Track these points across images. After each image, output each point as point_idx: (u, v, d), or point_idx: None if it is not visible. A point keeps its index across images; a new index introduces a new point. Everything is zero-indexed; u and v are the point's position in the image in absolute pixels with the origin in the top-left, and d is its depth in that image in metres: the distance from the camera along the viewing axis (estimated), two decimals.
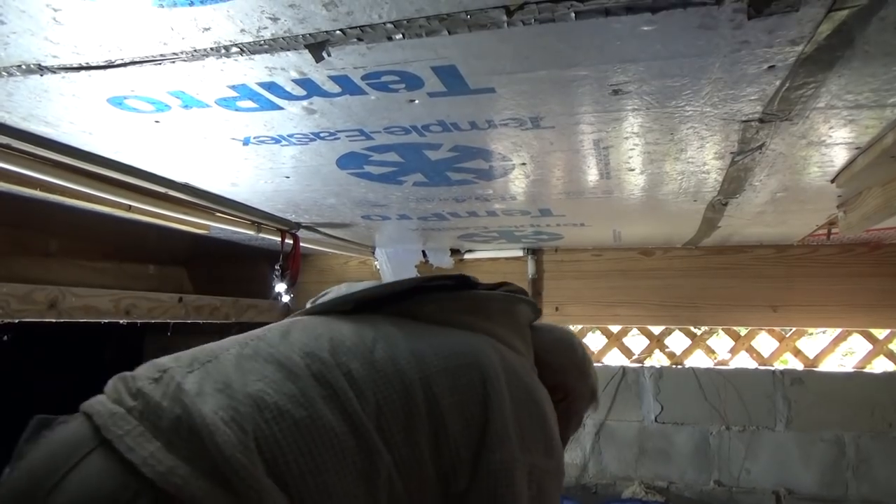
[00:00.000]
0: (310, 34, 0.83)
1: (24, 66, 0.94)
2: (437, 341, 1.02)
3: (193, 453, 0.79)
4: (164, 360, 0.98)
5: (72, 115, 1.14)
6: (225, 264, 3.15)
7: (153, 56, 0.91)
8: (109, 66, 0.94)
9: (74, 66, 0.94)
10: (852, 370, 2.79)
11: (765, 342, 2.98)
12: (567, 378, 1.30)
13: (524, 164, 1.47)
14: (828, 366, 2.87)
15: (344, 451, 0.86)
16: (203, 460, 0.78)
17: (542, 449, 1.01)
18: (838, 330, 2.84)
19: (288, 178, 1.61)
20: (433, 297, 1.12)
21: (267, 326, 1.10)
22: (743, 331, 2.97)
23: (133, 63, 0.93)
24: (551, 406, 1.10)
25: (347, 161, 1.46)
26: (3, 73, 0.96)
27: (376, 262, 3.07)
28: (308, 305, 1.25)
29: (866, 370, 2.77)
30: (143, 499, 0.75)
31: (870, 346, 2.81)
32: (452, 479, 0.91)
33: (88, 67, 0.94)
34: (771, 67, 0.92)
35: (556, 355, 1.29)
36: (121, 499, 0.75)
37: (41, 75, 0.97)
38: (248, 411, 0.84)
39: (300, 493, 0.81)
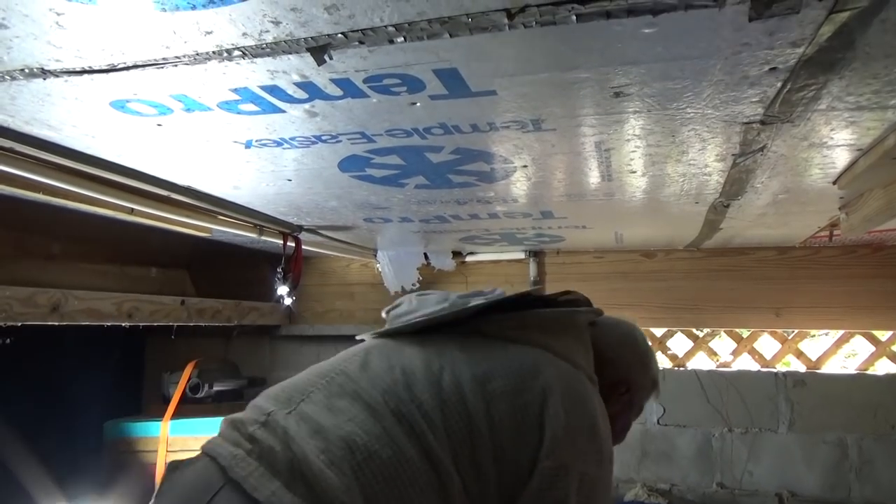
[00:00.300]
0: (311, 38, 0.83)
1: (27, 70, 0.95)
2: (497, 362, 1.09)
3: (307, 493, 0.89)
4: (263, 403, 1.08)
5: (74, 118, 1.15)
6: (227, 267, 3.16)
7: (155, 60, 0.91)
8: (112, 69, 0.94)
9: (77, 69, 0.94)
10: (855, 372, 2.78)
11: (767, 344, 2.98)
12: (630, 372, 1.36)
13: (526, 166, 1.47)
14: (830, 368, 2.87)
15: (424, 484, 0.95)
16: (315, 499, 0.88)
17: (593, 459, 1.07)
18: (841, 332, 2.84)
19: (290, 180, 1.61)
20: (495, 317, 1.18)
21: (346, 355, 1.19)
22: (745, 333, 2.97)
23: (135, 67, 0.93)
24: (605, 417, 1.14)
25: (349, 164, 1.46)
26: (7, 77, 0.97)
27: (378, 265, 3.07)
28: (383, 315, 1.35)
29: (869, 372, 2.77)
30: None
31: (872, 348, 2.80)
32: (511, 487, 1.00)
33: (91, 71, 0.95)
34: (772, 69, 0.92)
35: (619, 352, 1.34)
36: None
37: (44, 79, 0.97)
38: (343, 454, 0.93)
39: None
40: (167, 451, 2.65)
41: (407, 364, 1.09)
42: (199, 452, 1.02)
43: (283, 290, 2.38)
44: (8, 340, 2.52)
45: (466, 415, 1.02)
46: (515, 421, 1.03)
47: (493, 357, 1.11)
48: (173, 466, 1.01)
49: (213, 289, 3.09)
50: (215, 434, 1.06)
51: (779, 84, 0.98)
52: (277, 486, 0.89)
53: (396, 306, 1.31)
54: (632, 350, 1.39)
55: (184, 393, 2.76)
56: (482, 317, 1.18)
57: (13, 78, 0.97)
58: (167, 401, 2.76)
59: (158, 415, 2.72)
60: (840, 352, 2.90)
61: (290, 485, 0.89)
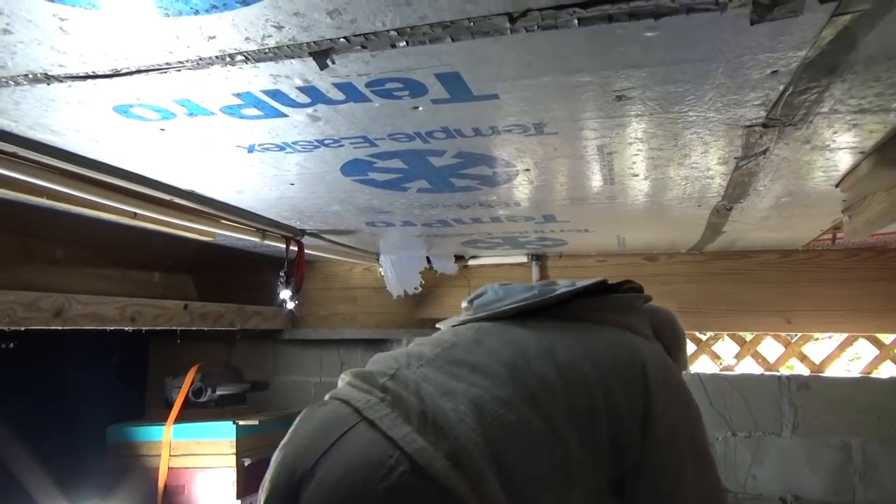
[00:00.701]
0: (314, 42, 0.84)
1: (30, 76, 0.95)
2: (597, 340, 1.19)
3: (437, 440, 0.94)
4: (386, 360, 1.15)
5: (78, 123, 1.15)
6: (230, 271, 3.16)
7: (159, 64, 0.91)
8: (115, 74, 0.94)
9: (81, 74, 0.95)
10: (859, 375, 2.77)
11: (770, 347, 2.97)
12: (670, 352, 1.41)
13: (528, 170, 1.47)
14: (834, 371, 2.86)
15: (546, 449, 1.01)
16: (444, 447, 0.93)
17: (696, 422, 1.19)
18: (844, 335, 2.83)
19: (292, 185, 1.62)
20: (577, 301, 1.27)
21: (448, 335, 1.25)
22: (748, 336, 2.97)
23: (139, 72, 0.94)
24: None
25: (352, 168, 1.46)
26: (10, 83, 0.97)
27: (380, 269, 3.07)
28: (464, 304, 1.41)
29: (873, 375, 2.76)
30: (402, 466, 0.91)
31: (876, 352, 2.80)
32: (627, 453, 1.07)
33: (94, 76, 0.95)
34: (774, 72, 0.92)
35: (663, 335, 1.39)
36: (385, 463, 0.91)
37: (48, 84, 0.98)
38: (473, 414, 0.99)
39: (513, 484, 0.95)
40: (170, 456, 2.65)
41: (517, 340, 1.17)
42: (326, 398, 1.09)
43: (285, 294, 2.38)
44: (11, 345, 2.53)
45: (584, 386, 1.08)
46: (625, 392, 1.10)
47: (591, 336, 1.20)
48: (308, 410, 1.10)
49: (216, 293, 3.09)
50: (342, 383, 1.13)
51: (781, 87, 0.98)
52: (409, 430, 0.96)
53: (480, 295, 1.38)
54: (672, 331, 1.45)
55: (187, 397, 2.76)
56: (565, 303, 1.26)
57: (17, 83, 0.97)
58: (170, 405, 2.76)
59: (161, 419, 2.72)
60: (844, 355, 2.89)
61: (420, 431, 0.96)
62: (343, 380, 1.14)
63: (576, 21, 0.77)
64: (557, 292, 1.27)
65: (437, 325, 1.42)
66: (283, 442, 1.06)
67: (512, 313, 1.26)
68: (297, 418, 1.10)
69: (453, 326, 1.32)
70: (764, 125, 1.14)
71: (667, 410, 1.11)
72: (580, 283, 1.28)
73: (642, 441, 1.07)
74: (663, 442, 1.08)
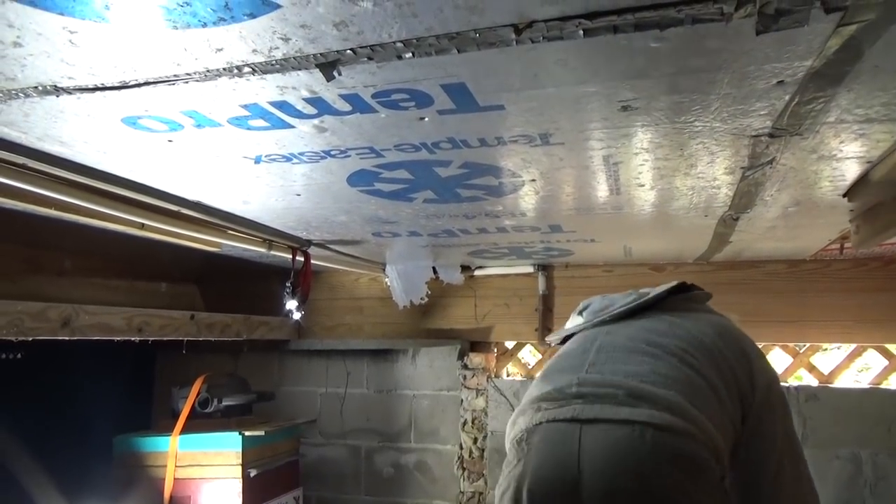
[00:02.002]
0: (321, 54, 0.84)
1: (40, 88, 0.96)
2: (699, 321, 1.44)
3: (653, 405, 1.15)
4: (556, 378, 1.32)
5: (86, 134, 1.16)
6: (236, 282, 3.17)
7: (167, 76, 0.92)
8: (124, 86, 0.95)
9: (90, 86, 0.95)
10: (868, 386, 2.75)
11: (779, 358, 2.95)
12: None
13: (534, 180, 1.47)
14: (843, 382, 2.84)
15: (709, 395, 1.24)
16: (663, 405, 1.16)
17: (777, 377, 1.44)
18: (853, 345, 2.81)
19: (299, 195, 1.62)
20: (671, 299, 1.51)
21: (583, 341, 1.45)
22: None
23: (147, 83, 0.94)
24: None
25: (358, 178, 1.46)
26: (20, 94, 0.98)
27: (387, 279, 3.07)
28: (575, 314, 1.62)
29: (882, 386, 2.74)
30: (648, 431, 1.12)
31: (886, 362, 2.77)
32: (748, 397, 1.30)
33: (103, 88, 0.96)
34: (780, 82, 0.92)
35: None
36: (635, 435, 1.12)
37: (57, 96, 0.98)
38: (656, 380, 1.22)
39: (697, 419, 1.17)
40: (176, 466, 2.65)
41: (647, 328, 1.40)
42: (524, 429, 1.24)
43: (291, 304, 2.39)
44: (19, 355, 2.54)
45: (708, 349, 1.32)
46: (733, 354, 1.34)
47: (690, 319, 1.44)
48: (519, 452, 1.23)
49: (223, 303, 3.10)
50: (521, 417, 1.28)
51: (787, 97, 0.97)
52: (628, 409, 1.16)
53: (589, 304, 1.60)
54: None
55: (193, 408, 2.76)
56: (661, 301, 1.50)
57: (27, 95, 0.98)
58: (176, 415, 2.76)
59: (168, 429, 2.72)
60: (853, 366, 2.86)
61: (637, 405, 1.16)
62: (526, 413, 1.28)
63: (581, 32, 0.77)
64: (653, 294, 1.49)
65: (549, 339, 1.71)
66: (513, 475, 1.20)
67: (628, 313, 1.48)
68: (511, 448, 1.26)
69: (578, 333, 1.52)
70: (770, 135, 1.14)
71: (760, 368, 1.36)
72: (664, 286, 1.52)
73: (752, 388, 1.31)
74: (765, 386, 1.33)
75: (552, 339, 1.67)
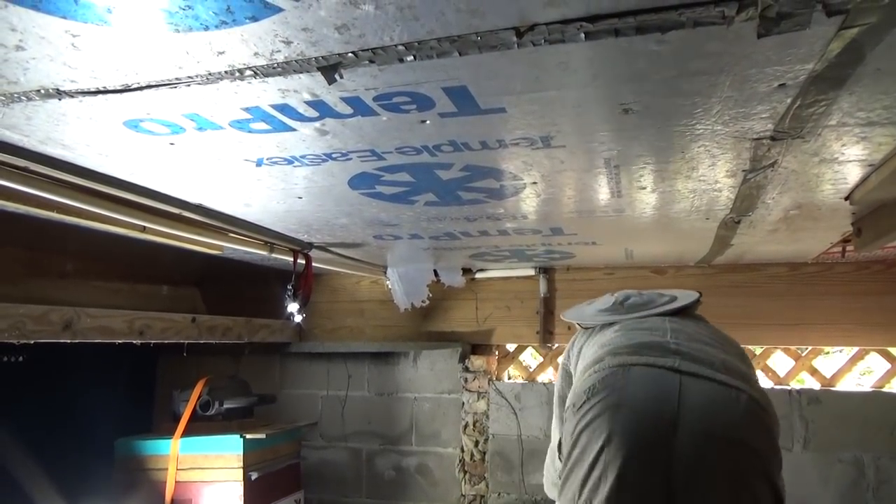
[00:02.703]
0: (322, 57, 0.84)
1: (42, 91, 0.96)
2: (714, 329, 1.59)
3: (741, 380, 1.30)
4: (649, 338, 1.44)
5: (88, 138, 1.16)
6: (237, 284, 3.17)
7: (169, 80, 0.92)
8: (126, 89, 0.95)
9: (92, 90, 0.96)
10: (870, 390, 2.75)
11: (780, 361, 2.95)
12: None
13: (535, 183, 1.47)
14: (845, 385, 2.83)
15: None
16: (750, 380, 1.34)
17: None
18: (855, 349, 2.81)
19: (300, 198, 1.62)
20: (691, 306, 1.70)
21: (648, 324, 1.56)
22: (758, 350, 2.94)
23: (149, 87, 0.94)
24: None
25: (359, 181, 1.46)
26: (23, 98, 0.98)
27: (388, 282, 3.07)
28: (609, 304, 1.77)
29: (885, 390, 2.73)
30: (743, 396, 1.26)
31: (888, 365, 2.77)
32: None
33: (105, 91, 0.96)
34: (782, 85, 0.92)
35: None
36: (733, 396, 1.26)
37: (59, 99, 0.99)
38: (729, 361, 1.36)
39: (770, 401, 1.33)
40: (177, 469, 2.64)
41: (701, 327, 1.56)
42: (617, 365, 1.35)
43: (293, 307, 2.39)
44: (21, 358, 2.54)
45: (732, 341, 1.52)
46: (743, 352, 1.50)
47: (704, 322, 1.64)
48: (608, 376, 1.34)
49: (224, 306, 3.10)
50: (607, 358, 1.39)
51: (788, 100, 0.97)
52: (724, 376, 1.29)
53: (628, 298, 1.76)
54: None
55: (194, 410, 2.76)
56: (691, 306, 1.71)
57: (29, 99, 0.98)
58: (177, 418, 2.76)
59: (169, 432, 2.72)
60: (855, 369, 2.86)
61: (731, 374, 1.30)
62: (616, 355, 1.39)
63: (582, 35, 0.77)
64: (689, 300, 1.70)
65: (570, 317, 1.87)
66: (605, 403, 1.29)
67: (671, 312, 1.64)
68: (597, 383, 1.34)
69: (620, 322, 1.63)
70: (772, 138, 1.14)
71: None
72: (689, 293, 1.74)
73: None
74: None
75: (574, 317, 1.83)
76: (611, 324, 1.64)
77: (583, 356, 1.64)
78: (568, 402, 1.44)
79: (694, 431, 1.22)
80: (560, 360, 1.90)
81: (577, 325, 1.86)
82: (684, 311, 1.68)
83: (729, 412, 1.26)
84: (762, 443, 1.26)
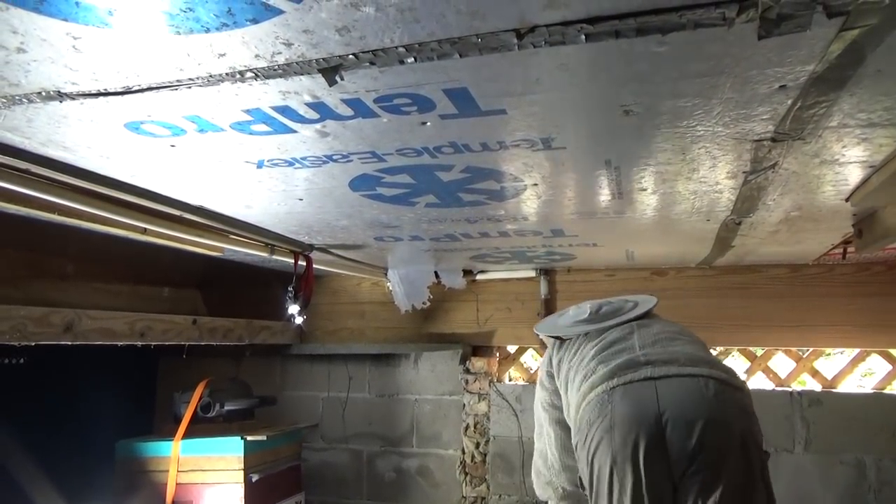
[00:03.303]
0: (323, 59, 0.84)
1: (43, 93, 0.96)
2: (671, 323, 1.86)
3: (709, 367, 1.58)
4: (618, 358, 1.66)
5: (89, 140, 1.16)
6: (238, 286, 3.17)
7: (170, 82, 0.92)
8: (127, 91, 0.96)
9: (93, 92, 0.96)
10: (872, 391, 2.74)
11: (781, 363, 2.95)
12: None
13: (536, 184, 1.47)
14: (846, 387, 2.83)
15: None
16: (718, 367, 1.59)
17: None
18: (857, 350, 2.80)
19: (301, 200, 1.62)
20: (651, 309, 1.94)
21: (619, 332, 1.80)
22: (759, 351, 2.94)
23: (150, 89, 0.95)
24: None
25: (360, 183, 1.47)
26: (24, 100, 0.98)
27: (389, 284, 3.07)
28: (586, 314, 1.96)
29: (886, 391, 2.73)
30: (712, 382, 1.52)
31: (889, 367, 2.76)
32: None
33: (106, 93, 0.96)
34: (782, 87, 0.92)
35: None
36: (701, 384, 1.52)
37: (60, 101, 0.99)
38: (694, 354, 1.63)
39: (743, 382, 1.63)
40: (178, 471, 2.64)
41: (667, 326, 1.82)
42: (603, 391, 1.56)
43: (294, 308, 2.39)
44: (22, 360, 2.54)
45: (694, 338, 1.77)
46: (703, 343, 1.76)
47: (666, 321, 1.90)
48: (604, 403, 1.54)
49: (225, 308, 3.10)
50: (601, 379, 1.60)
51: (789, 101, 0.97)
52: (691, 368, 1.54)
53: (601, 307, 1.95)
54: None
55: (195, 412, 2.76)
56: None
57: (30, 101, 0.99)
58: (178, 420, 2.76)
59: (170, 434, 2.72)
60: (856, 370, 2.86)
61: (697, 365, 1.55)
62: (597, 386, 1.59)
63: (583, 37, 0.77)
64: (651, 304, 1.94)
65: (540, 331, 2.09)
66: (601, 428, 1.50)
67: (637, 317, 1.87)
68: (591, 414, 1.56)
69: (591, 331, 1.85)
70: (772, 139, 1.14)
71: None
72: (649, 300, 1.97)
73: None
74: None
75: (545, 331, 2.02)
76: (586, 333, 1.87)
77: (569, 379, 1.80)
78: (574, 440, 1.64)
79: (677, 424, 1.44)
80: (542, 368, 2.01)
81: (546, 339, 2.03)
82: (647, 314, 1.90)
83: (701, 398, 1.48)
84: (737, 416, 1.49)
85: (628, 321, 1.85)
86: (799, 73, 0.88)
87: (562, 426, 1.86)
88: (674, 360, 1.56)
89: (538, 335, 2.11)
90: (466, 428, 3.11)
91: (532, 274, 3.05)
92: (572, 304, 2.12)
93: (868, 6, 0.71)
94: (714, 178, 1.40)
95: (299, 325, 2.59)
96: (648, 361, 1.57)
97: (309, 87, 0.93)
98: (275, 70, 0.88)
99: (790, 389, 2.77)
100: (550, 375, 1.93)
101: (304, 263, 2.35)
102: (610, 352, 1.70)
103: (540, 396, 1.96)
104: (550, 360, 1.95)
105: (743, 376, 2.89)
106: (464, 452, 3.10)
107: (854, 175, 1.38)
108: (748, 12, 0.72)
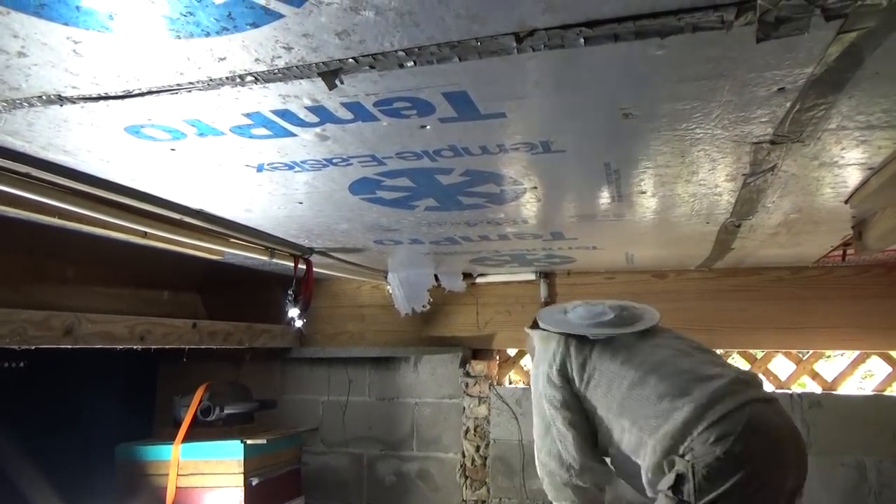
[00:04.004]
0: (323, 62, 0.85)
1: (44, 97, 0.96)
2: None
3: (760, 386, 1.75)
4: (692, 369, 1.75)
5: (90, 143, 1.16)
6: (238, 290, 3.17)
7: (170, 86, 0.93)
8: (127, 95, 0.96)
9: (93, 96, 0.96)
10: (872, 393, 2.74)
11: (781, 365, 2.95)
12: None
13: (535, 187, 1.47)
14: (846, 389, 2.83)
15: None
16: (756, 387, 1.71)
17: None
18: (857, 352, 2.80)
19: (301, 203, 1.62)
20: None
21: (649, 347, 1.83)
22: (759, 353, 2.94)
23: (150, 93, 0.95)
24: None
25: (360, 186, 1.47)
26: (24, 104, 0.99)
27: (388, 287, 3.07)
28: (595, 319, 1.94)
29: (886, 393, 2.73)
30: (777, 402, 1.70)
31: (889, 369, 2.76)
32: None
33: (107, 97, 0.96)
34: (781, 89, 0.92)
35: None
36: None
37: (61, 105, 0.99)
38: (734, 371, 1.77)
39: None
40: (178, 475, 2.64)
41: (680, 336, 1.91)
42: (726, 413, 1.55)
43: (294, 312, 2.39)
44: (22, 364, 2.54)
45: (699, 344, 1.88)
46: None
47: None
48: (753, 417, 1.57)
49: (225, 311, 3.10)
50: (715, 396, 1.59)
51: (788, 104, 0.98)
52: (767, 391, 1.71)
53: (623, 309, 1.97)
54: None
55: (195, 416, 2.76)
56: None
57: (31, 105, 0.99)
58: (178, 424, 2.76)
59: (170, 438, 2.71)
60: (856, 372, 2.86)
61: (761, 385, 1.72)
62: (715, 392, 1.61)
63: (582, 40, 0.77)
64: (657, 315, 1.98)
65: (549, 327, 1.98)
66: (749, 443, 1.52)
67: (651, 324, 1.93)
68: (731, 444, 1.52)
69: (607, 337, 1.86)
70: (771, 142, 1.14)
71: None
72: (649, 307, 2.02)
73: None
74: None
75: (560, 328, 1.94)
76: (614, 337, 1.86)
77: (603, 383, 1.79)
78: (694, 483, 1.51)
79: (790, 444, 1.58)
80: (545, 364, 1.91)
81: (552, 335, 1.95)
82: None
83: (789, 418, 1.67)
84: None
85: (648, 328, 1.88)
86: (797, 76, 0.88)
87: (581, 427, 1.82)
88: (753, 380, 1.70)
89: (538, 330, 2.00)
90: (466, 431, 3.10)
91: (532, 277, 3.05)
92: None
93: (866, 9, 0.71)
94: (713, 180, 1.40)
95: (299, 328, 2.59)
96: (745, 381, 1.65)
97: (309, 90, 0.93)
98: (275, 74, 0.88)
99: (790, 391, 2.77)
100: (563, 374, 1.85)
101: (304, 267, 2.35)
102: (675, 366, 1.72)
103: (548, 395, 1.87)
104: (564, 358, 1.86)
105: None
106: (464, 456, 3.10)
107: (853, 177, 1.38)
108: (746, 15, 0.72)
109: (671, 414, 1.58)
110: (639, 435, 1.65)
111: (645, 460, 1.62)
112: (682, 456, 1.53)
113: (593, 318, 1.93)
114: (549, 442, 1.89)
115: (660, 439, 1.57)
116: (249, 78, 0.89)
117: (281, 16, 0.73)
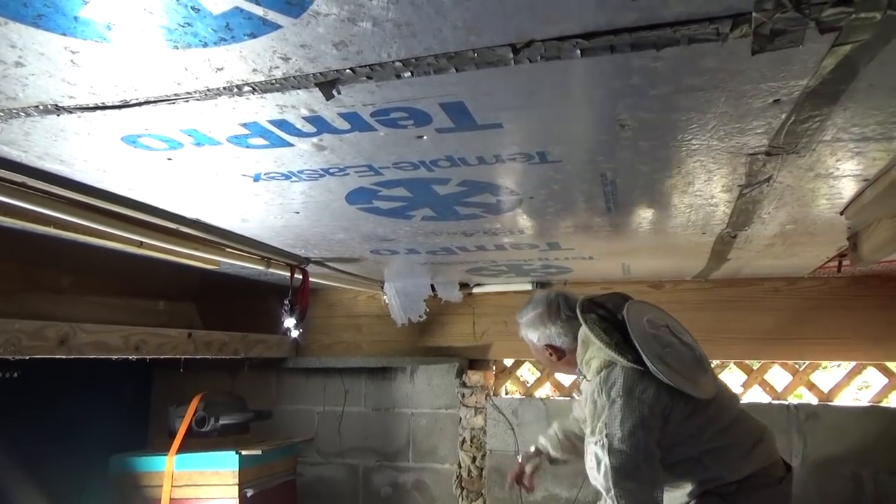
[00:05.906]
0: (320, 73, 0.85)
1: (41, 107, 0.96)
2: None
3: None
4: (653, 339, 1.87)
5: (86, 153, 1.16)
6: (234, 300, 3.16)
7: (167, 95, 0.93)
8: (124, 105, 0.96)
9: (90, 105, 0.96)
10: (868, 404, 2.74)
11: (778, 376, 2.94)
12: None
13: (532, 197, 1.48)
14: (843, 400, 2.83)
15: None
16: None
17: None
18: (853, 363, 2.81)
19: (297, 213, 1.62)
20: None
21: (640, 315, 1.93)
22: (755, 364, 2.94)
23: (147, 102, 0.95)
24: None
25: (356, 196, 1.47)
26: (21, 114, 0.99)
27: (385, 297, 3.07)
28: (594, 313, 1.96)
29: (883, 404, 2.73)
30: None
31: (886, 380, 2.76)
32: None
33: (104, 107, 0.96)
34: (776, 101, 0.93)
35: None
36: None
37: (58, 115, 0.99)
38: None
39: None
40: (172, 486, 2.62)
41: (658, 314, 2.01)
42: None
43: (290, 322, 2.38)
44: (16, 374, 2.52)
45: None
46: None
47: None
48: None
49: (221, 321, 3.09)
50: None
51: (783, 115, 0.98)
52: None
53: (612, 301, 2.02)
54: None
55: (190, 426, 2.74)
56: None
57: (28, 114, 0.99)
58: (173, 434, 2.74)
59: (164, 449, 2.70)
60: (853, 383, 2.86)
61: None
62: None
63: (578, 52, 0.78)
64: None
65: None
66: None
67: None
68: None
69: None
70: (767, 153, 1.15)
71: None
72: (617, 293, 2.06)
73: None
74: None
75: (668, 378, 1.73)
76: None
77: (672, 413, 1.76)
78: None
79: None
80: (646, 402, 1.71)
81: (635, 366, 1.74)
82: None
83: None
84: None
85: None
86: (793, 88, 0.89)
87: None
88: None
89: (628, 363, 1.76)
90: (463, 442, 3.09)
91: (529, 287, 3.04)
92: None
93: (860, 22, 0.72)
94: (709, 191, 1.40)
95: (295, 338, 2.58)
96: None
97: (306, 101, 0.93)
98: (272, 84, 0.88)
99: (787, 403, 2.76)
100: (662, 415, 1.73)
101: (301, 277, 2.34)
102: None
103: (645, 426, 1.69)
104: (657, 396, 1.71)
105: (739, 389, 2.91)
106: (460, 467, 3.09)
107: (848, 188, 1.39)
108: (741, 28, 0.73)
109: None
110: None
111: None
112: None
113: (686, 367, 1.83)
114: (627, 461, 1.70)
115: None
116: (247, 88, 0.89)
117: (279, 27, 0.74)
